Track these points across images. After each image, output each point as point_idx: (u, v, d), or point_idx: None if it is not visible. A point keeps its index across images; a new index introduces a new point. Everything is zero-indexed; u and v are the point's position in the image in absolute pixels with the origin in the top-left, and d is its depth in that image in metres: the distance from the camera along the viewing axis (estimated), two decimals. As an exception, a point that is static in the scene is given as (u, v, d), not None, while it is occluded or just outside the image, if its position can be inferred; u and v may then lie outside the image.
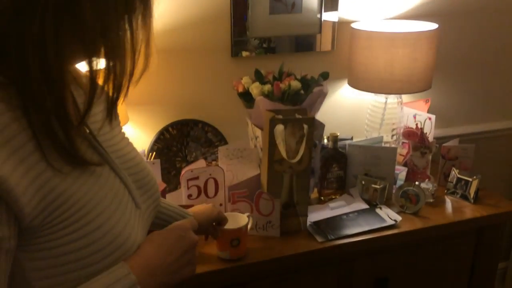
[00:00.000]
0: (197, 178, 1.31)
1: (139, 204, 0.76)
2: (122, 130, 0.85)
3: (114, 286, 0.64)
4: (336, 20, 1.69)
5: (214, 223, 1.14)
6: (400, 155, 1.67)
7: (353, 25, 1.62)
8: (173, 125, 1.58)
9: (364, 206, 1.45)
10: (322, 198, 1.52)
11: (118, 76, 0.63)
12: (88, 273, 0.64)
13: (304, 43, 1.68)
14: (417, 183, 1.46)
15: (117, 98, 0.65)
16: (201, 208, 1.12)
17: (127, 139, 0.85)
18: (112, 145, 0.76)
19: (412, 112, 1.70)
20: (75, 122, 0.64)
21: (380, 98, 1.66)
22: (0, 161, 0.54)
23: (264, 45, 1.62)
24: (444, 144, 1.61)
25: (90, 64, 0.61)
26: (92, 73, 0.61)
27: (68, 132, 0.62)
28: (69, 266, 0.62)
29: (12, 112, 0.58)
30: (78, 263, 0.63)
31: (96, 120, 0.74)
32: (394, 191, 1.48)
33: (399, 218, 1.38)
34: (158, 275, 0.71)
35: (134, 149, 0.84)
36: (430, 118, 1.64)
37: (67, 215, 0.61)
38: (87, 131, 0.71)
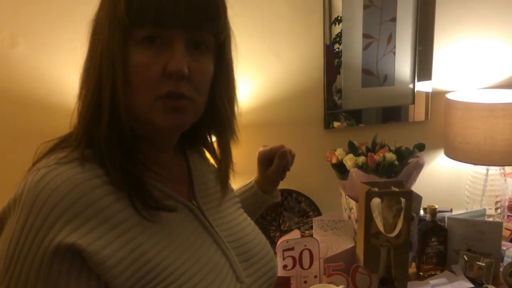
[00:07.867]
0: (292, 248, 1.32)
1: (242, 277, 0.74)
2: (235, 198, 0.89)
3: None
4: (429, 90, 1.69)
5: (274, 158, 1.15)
6: (506, 229, 1.57)
7: (448, 95, 1.61)
8: (268, 194, 1.62)
9: (469, 284, 1.36)
10: (420, 273, 1.45)
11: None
12: None
13: (392, 114, 1.69)
14: (528, 261, 1.35)
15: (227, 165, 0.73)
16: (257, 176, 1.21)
17: (240, 209, 0.88)
18: (219, 218, 0.79)
19: (517, 183, 1.61)
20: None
21: (481, 168, 1.59)
22: (94, 235, 0.57)
23: (350, 119, 1.66)
24: (557, 219, 1.49)
25: None
26: None
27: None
28: None
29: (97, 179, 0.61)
30: None
31: (208, 195, 0.79)
32: (501, 269, 1.38)
33: (509, 300, 1.28)
34: None
35: (245, 219, 0.86)
36: (538, 190, 1.54)
37: (159, 285, 0.61)
38: (195, 204, 0.76)
